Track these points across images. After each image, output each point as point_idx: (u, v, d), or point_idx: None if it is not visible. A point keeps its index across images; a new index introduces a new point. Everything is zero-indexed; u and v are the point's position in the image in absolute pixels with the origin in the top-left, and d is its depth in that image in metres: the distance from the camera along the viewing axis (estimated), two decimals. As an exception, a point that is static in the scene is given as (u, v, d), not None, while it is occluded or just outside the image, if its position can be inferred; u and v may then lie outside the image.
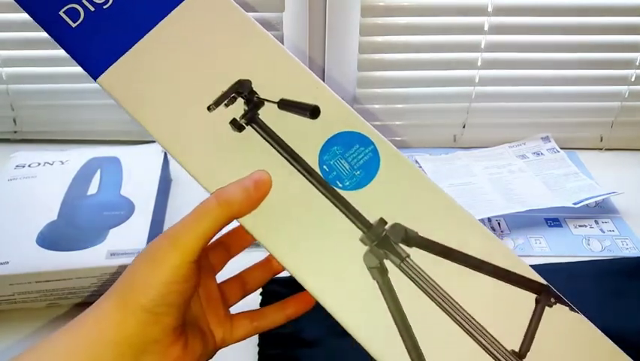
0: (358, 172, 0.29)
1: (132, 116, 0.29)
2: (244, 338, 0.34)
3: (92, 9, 0.30)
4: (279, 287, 0.47)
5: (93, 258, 0.48)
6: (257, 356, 0.45)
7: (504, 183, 0.67)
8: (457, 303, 0.28)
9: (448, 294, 0.28)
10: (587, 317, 0.47)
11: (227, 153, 0.29)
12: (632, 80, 0.71)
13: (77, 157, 0.60)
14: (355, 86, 0.72)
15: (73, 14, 0.30)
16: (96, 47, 0.30)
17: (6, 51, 0.69)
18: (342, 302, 0.28)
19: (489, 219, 0.62)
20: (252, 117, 0.29)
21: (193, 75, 0.30)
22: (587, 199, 0.62)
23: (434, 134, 0.76)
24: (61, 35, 0.30)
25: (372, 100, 0.74)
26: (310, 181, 0.29)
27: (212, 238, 0.28)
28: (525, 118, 0.75)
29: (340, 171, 0.29)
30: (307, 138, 0.29)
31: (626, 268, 0.55)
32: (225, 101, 0.29)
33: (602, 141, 0.76)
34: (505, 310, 0.28)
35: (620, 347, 0.45)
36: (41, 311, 0.49)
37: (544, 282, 0.29)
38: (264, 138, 0.29)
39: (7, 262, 0.47)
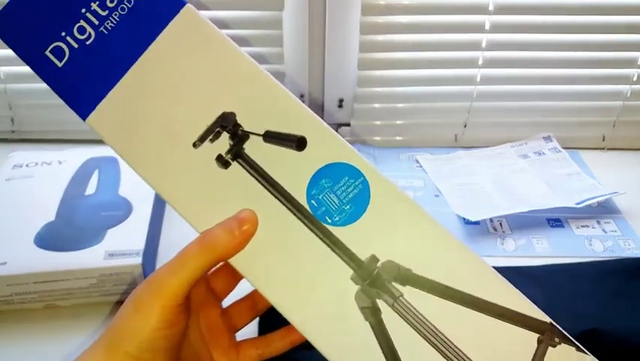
0: (348, 206, 0.28)
1: (120, 155, 0.29)
2: None
3: (76, 46, 0.29)
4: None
5: (91, 258, 0.47)
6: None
7: (505, 182, 0.66)
8: (453, 344, 0.27)
9: (443, 335, 0.27)
10: (588, 318, 0.47)
11: (215, 191, 0.28)
12: (635, 79, 0.71)
13: (75, 157, 0.60)
14: (356, 85, 0.72)
15: (58, 53, 0.29)
16: (83, 86, 0.29)
17: (4, 50, 0.68)
18: (333, 344, 0.27)
19: (490, 220, 0.62)
20: (237, 152, 0.28)
21: (177, 110, 0.29)
22: (589, 199, 0.62)
23: (435, 133, 0.75)
24: (48, 76, 0.29)
25: (373, 99, 0.74)
26: (299, 218, 0.28)
27: (196, 281, 0.28)
28: (527, 117, 0.75)
29: (329, 205, 0.28)
30: (295, 172, 0.28)
31: (628, 269, 0.54)
32: (210, 137, 0.28)
33: (604, 140, 0.76)
34: (503, 352, 0.27)
35: (622, 348, 0.45)
36: (39, 312, 0.49)
37: (547, 319, 0.27)
38: (251, 174, 0.28)
39: (5, 263, 0.47)
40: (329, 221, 0.28)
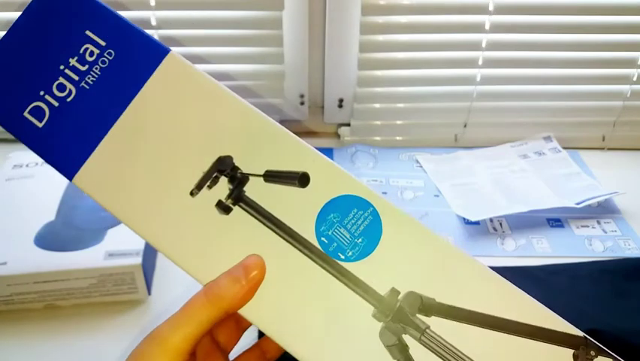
0: (360, 240, 0.27)
1: (113, 214, 0.27)
2: None
3: (56, 104, 0.28)
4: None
5: (91, 258, 0.47)
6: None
7: (506, 182, 0.66)
8: None
9: None
10: (588, 318, 0.47)
11: (217, 238, 0.27)
12: (635, 79, 0.71)
13: (75, 157, 0.60)
14: (356, 85, 0.72)
15: (38, 113, 0.28)
16: (66, 145, 0.27)
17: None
18: None
19: (490, 220, 0.62)
20: (237, 196, 0.27)
21: (169, 159, 0.27)
22: (589, 199, 0.62)
23: (435, 133, 0.75)
24: (29, 138, 0.27)
25: (373, 99, 0.74)
26: (310, 258, 0.26)
27: (203, 335, 0.26)
28: (527, 117, 0.75)
29: (340, 241, 0.27)
30: (300, 209, 0.27)
31: (628, 269, 0.54)
32: (208, 183, 0.27)
33: (604, 140, 0.76)
34: None
35: (622, 348, 0.45)
36: (39, 312, 0.49)
37: (580, 333, 0.26)
38: (255, 217, 0.27)
39: (5, 263, 0.47)
40: (342, 257, 0.26)
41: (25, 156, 0.60)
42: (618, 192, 0.63)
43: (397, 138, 0.75)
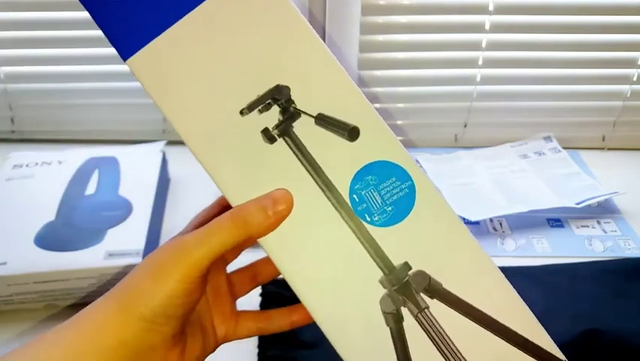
0: (390, 208, 0.27)
1: (157, 104, 0.27)
2: (246, 337, 0.33)
3: None
4: (280, 289, 0.47)
5: (91, 258, 0.47)
6: (257, 357, 0.45)
7: (505, 183, 0.66)
8: None
9: (461, 353, 0.26)
10: (588, 318, 0.47)
11: (253, 164, 0.27)
12: (635, 79, 0.71)
13: (75, 157, 0.60)
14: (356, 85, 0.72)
15: None
16: (129, 23, 0.27)
17: (4, 50, 0.68)
18: (351, 345, 0.26)
19: (490, 220, 0.62)
20: (285, 129, 0.27)
21: (229, 71, 0.27)
22: (589, 199, 0.62)
23: (435, 133, 0.75)
24: (95, 7, 0.27)
25: (373, 99, 0.74)
26: (337, 209, 0.27)
27: (221, 254, 0.27)
28: (527, 117, 0.75)
29: (371, 203, 0.27)
30: (341, 162, 0.27)
31: (628, 269, 0.54)
32: (260, 107, 0.27)
33: (604, 140, 0.76)
34: None
35: (622, 348, 0.45)
36: (39, 312, 0.49)
37: (563, 358, 0.27)
38: (295, 154, 0.27)
39: (5, 263, 0.47)
40: (368, 219, 0.27)
41: (25, 156, 0.60)
42: (618, 192, 0.63)
43: (397, 137, 0.75)
